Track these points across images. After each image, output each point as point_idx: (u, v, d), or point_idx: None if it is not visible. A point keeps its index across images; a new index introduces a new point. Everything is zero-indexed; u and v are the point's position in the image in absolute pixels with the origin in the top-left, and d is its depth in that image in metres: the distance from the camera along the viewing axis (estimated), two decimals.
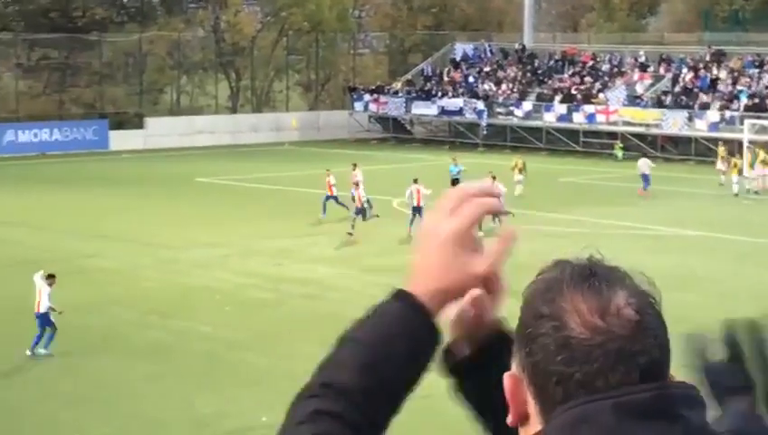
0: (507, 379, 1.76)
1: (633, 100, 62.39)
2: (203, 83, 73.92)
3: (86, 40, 66.49)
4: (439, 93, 69.37)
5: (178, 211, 40.46)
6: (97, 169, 53.81)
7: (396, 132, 70.44)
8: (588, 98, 63.58)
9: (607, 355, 1.65)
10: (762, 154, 47.32)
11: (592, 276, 1.71)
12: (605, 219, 38.19)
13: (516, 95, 67.01)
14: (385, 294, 1.94)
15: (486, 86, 68.93)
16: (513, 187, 42.74)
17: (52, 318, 22.43)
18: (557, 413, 1.66)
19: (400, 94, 70.55)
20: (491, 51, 73.70)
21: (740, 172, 45.75)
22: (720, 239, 35.03)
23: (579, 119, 62.33)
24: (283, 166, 54.45)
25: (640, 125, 60.48)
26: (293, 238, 34.53)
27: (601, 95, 63.49)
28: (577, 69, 67.76)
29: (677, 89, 62.28)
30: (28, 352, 22.12)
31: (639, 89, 63.57)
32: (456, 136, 67.93)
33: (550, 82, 67.62)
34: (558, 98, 64.53)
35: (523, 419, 1.75)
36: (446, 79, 71.62)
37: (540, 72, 69.40)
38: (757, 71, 61.23)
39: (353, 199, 36.60)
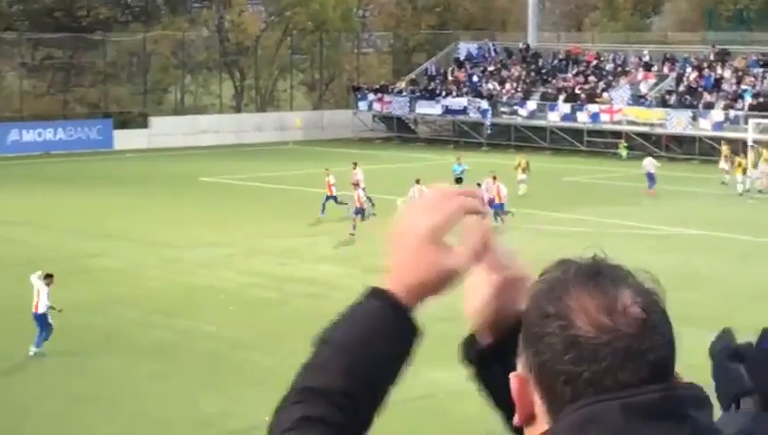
0: (513, 379, 1.75)
1: (637, 99, 62.32)
2: (207, 83, 73.94)
3: (90, 39, 66.54)
4: (443, 93, 69.32)
5: (182, 211, 40.44)
6: (101, 168, 53.80)
7: (400, 132, 70.43)
8: (592, 97, 63.53)
9: (615, 353, 1.65)
10: (765, 153, 47.27)
11: (598, 275, 1.71)
12: (609, 219, 38.15)
13: (520, 94, 66.96)
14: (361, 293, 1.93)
15: (490, 85, 68.91)
16: (516, 186, 42.76)
17: (51, 320, 22.43)
18: (565, 413, 1.66)
19: (404, 94, 70.52)
20: (495, 50, 73.65)
21: (744, 172, 45.71)
22: (724, 238, 35.01)
23: (583, 118, 62.29)
24: (287, 165, 54.43)
25: (644, 124, 60.43)
26: (298, 238, 34.52)
27: (605, 94, 63.42)
28: (581, 68, 67.71)
29: (682, 88, 62.23)
30: (31, 353, 22.16)
31: (643, 88, 63.50)
32: (460, 135, 67.92)
33: (554, 81, 67.59)
34: (562, 97, 64.48)
35: (530, 419, 1.74)
36: (450, 78, 71.60)
37: (544, 71, 69.36)
38: (761, 70, 61.13)
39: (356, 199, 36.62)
